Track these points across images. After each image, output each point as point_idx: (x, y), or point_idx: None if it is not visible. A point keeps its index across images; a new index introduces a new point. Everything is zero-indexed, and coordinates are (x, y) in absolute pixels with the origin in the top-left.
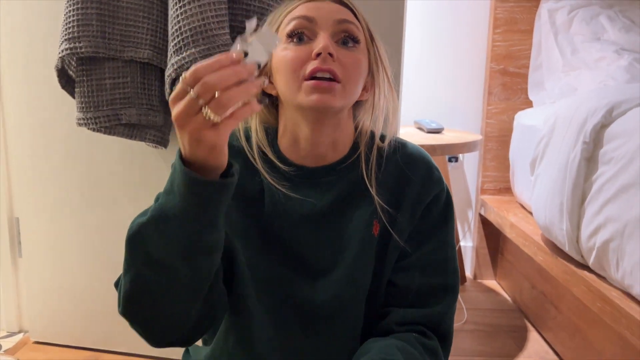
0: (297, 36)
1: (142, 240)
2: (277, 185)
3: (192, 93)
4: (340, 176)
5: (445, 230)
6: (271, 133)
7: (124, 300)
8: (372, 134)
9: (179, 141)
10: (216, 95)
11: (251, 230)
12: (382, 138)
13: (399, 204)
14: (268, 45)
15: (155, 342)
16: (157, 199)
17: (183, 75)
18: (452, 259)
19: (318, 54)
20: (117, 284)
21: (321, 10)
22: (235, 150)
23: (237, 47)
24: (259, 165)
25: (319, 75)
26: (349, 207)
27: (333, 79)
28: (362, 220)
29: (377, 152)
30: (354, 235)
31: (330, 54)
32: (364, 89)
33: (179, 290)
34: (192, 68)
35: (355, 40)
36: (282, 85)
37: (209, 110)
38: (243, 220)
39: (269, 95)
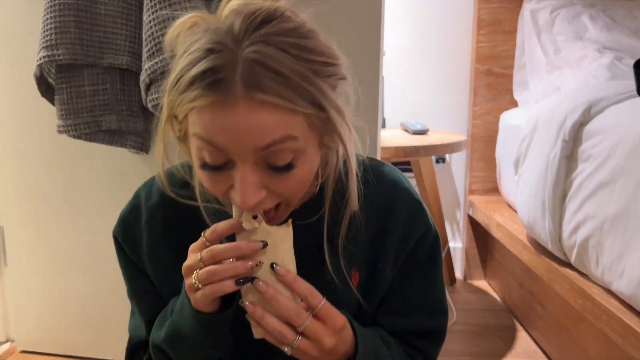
0: (210, 168)
1: (162, 351)
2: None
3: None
4: (305, 228)
5: (434, 273)
6: None
7: None
8: (340, 176)
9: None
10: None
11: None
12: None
13: (381, 249)
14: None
15: None
16: (171, 312)
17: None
18: (439, 301)
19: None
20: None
21: (232, 133)
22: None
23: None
24: (203, 210)
25: None
26: (317, 263)
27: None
28: (337, 274)
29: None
30: (328, 292)
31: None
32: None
33: None
34: (211, 248)
35: (289, 167)
36: None
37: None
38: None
39: None
